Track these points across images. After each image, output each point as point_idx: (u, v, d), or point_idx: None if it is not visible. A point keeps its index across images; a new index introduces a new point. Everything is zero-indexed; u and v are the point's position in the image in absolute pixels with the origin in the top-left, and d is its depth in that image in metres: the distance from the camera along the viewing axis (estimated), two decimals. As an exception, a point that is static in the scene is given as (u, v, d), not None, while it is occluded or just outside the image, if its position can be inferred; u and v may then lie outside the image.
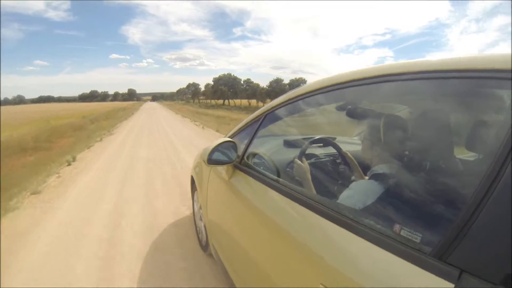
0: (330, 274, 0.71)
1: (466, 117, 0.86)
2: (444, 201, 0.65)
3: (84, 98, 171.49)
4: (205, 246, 2.16)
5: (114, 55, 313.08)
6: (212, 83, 74.56)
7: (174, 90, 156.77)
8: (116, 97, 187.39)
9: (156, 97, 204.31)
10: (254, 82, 70.71)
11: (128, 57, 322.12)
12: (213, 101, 73.21)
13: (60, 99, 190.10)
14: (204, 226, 2.01)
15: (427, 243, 0.57)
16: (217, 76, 74.41)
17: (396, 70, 0.79)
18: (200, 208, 2.12)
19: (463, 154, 0.94)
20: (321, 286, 0.71)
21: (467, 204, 0.51)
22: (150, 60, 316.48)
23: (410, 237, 0.60)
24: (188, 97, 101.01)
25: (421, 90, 0.78)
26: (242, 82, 73.05)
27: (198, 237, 2.39)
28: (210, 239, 1.86)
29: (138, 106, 61.74)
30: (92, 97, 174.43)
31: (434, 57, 0.72)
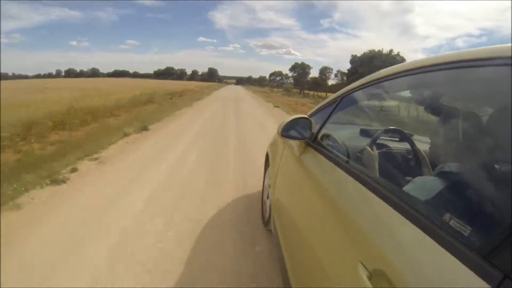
0: (377, 257, 0.71)
1: None
2: (503, 201, 0.59)
3: (159, 75, 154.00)
4: (266, 222, 2.28)
5: (201, 38, 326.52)
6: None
7: (259, 76, 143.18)
8: (193, 76, 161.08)
9: (242, 80, 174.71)
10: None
11: (215, 41, 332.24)
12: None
13: (135, 74, 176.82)
14: (270, 200, 2.10)
15: (475, 239, 0.54)
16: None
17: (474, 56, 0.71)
18: (269, 186, 2.19)
19: None
20: (360, 264, 0.73)
21: None
22: (236, 45, 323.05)
23: (458, 229, 0.58)
24: (288, 85, 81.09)
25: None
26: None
27: (262, 212, 2.54)
28: (273, 213, 1.92)
29: (209, 91, 36.41)
30: (167, 74, 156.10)
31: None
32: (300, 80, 73.34)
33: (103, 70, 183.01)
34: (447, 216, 0.62)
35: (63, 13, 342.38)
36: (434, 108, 1.03)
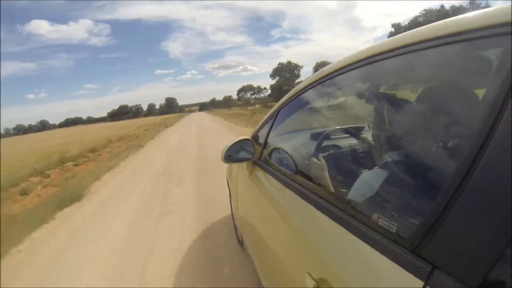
0: (320, 268, 0.73)
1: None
2: (426, 190, 0.61)
3: (113, 116, 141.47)
4: (241, 242, 2.25)
5: (158, 71, 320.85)
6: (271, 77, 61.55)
7: (223, 96, 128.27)
8: (151, 110, 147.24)
9: (205, 105, 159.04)
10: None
11: (172, 71, 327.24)
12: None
13: (89, 120, 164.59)
14: (237, 222, 2.12)
15: (403, 234, 0.54)
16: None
17: (398, 43, 0.69)
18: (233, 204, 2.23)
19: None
20: (307, 275, 0.75)
21: (443, 192, 0.47)
22: (194, 72, 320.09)
23: (386, 227, 0.58)
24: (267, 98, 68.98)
25: (424, 63, 0.68)
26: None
27: (236, 234, 2.51)
28: (242, 233, 1.95)
29: (158, 129, 23.59)
30: (122, 113, 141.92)
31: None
32: (286, 87, 58.84)
33: (62, 119, 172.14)
34: (375, 216, 0.63)
35: (15, 66, 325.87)
36: (370, 98, 1.01)
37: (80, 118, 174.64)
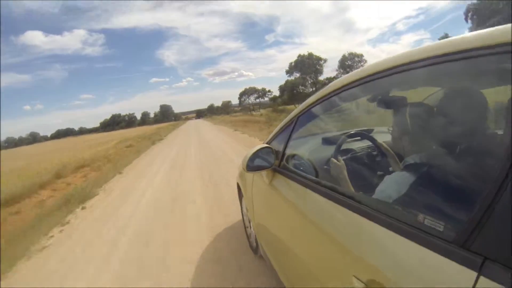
0: (367, 270, 0.74)
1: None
2: (469, 187, 0.65)
3: (106, 126, 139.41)
4: (255, 249, 2.26)
5: (154, 79, 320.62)
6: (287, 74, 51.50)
7: (222, 102, 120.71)
8: (145, 119, 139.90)
9: (202, 112, 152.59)
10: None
11: (167, 79, 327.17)
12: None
13: (82, 131, 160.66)
14: (253, 228, 2.11)
15: (450, 231, 0.58)
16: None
17: (417, 56, 0.76)
18: (248, 211, 2.21)
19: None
20: (354, 278, 0.75)
21: (490, 188, 0.51)
22: (189, 79, 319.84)
23: (433, 226, 0.61)
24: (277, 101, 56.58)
25: (447, 72, 0.76)
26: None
27: (249, 241, 2.50)
28: (259, 240, 1.95)
29: (145, 145, 16.00)
30: (114, 123, 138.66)
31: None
32: (300, 89, 52.99)
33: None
34: (420, 216, 0.65)
35: (12, 78, 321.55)
36: (385, 102, 1.08)
37: (72, 129, 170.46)
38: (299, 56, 55.18)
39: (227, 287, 2.05)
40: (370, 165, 1.43)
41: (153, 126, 66.28)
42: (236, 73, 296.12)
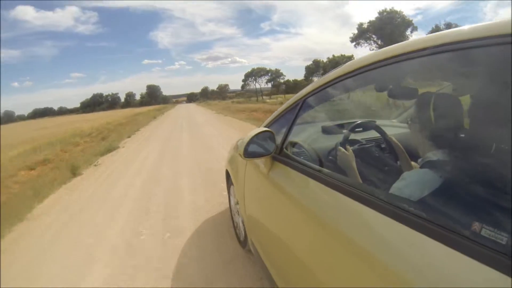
0: (386, 275, 0.63)
1: None
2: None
3: (86, 106, 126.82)
4: (243, 242, 2.13)
5: (146, 61, 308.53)
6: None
7: (218, 85, 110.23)
8: (130, 100, 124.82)
9: (194, 96, 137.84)
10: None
11: (160, 61, 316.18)
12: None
13: (61, 111, 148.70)
14: (242, 221, 1.98)
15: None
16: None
17: (442, 40, 0.69)
18: (237, 203, 2.08)
19: None
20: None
21: None
22: (182, 62, 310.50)
23: (493, 238, 0.50)
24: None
25: (473, 61, 0.67)
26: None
27: (236, 233, 2.38)
28: (248, 234, 1.82)
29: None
30: (96, 104, 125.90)
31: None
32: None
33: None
34: (476, 225, 0.53)
35: (3, 54, 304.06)
36: (398, 93, 1.03)
37: (51, 108, 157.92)
38: (380, 12, 36.89)
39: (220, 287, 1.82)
40: (378, 158, 1.34)
41: (138, 109, 55.64)
42: (230, 59, 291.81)
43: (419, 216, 0.61)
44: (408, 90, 1.00)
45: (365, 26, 37.15)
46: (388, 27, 35.56)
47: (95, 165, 6.23)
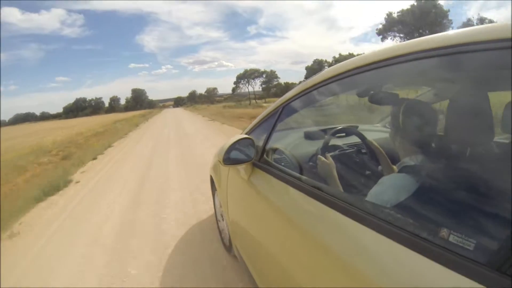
0: (361, 281, 0.63)
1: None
2: (496, 197, 0.55)
3: (68, 112, 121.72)
4: (228, 247, 2.12)
5: (132, 65, 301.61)
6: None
7: (206, 89, 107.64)
8: (114, 105, 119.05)
9: (181, 101, 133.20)
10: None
11: (146, 65, 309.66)
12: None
13: (44, 116, 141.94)
14: (227, 226, 1.97)
15: (483, 251, 0.47)
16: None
17: (419, 47, 0.69)
18: (220, 206, 2.08)
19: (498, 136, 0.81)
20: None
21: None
22: (169, 66, 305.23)
23: (461, 244, 0.50)
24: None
25: (446, 67, 0.69)
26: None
27: (221, 237, 2.36)
28: (232, 239, 1.82)
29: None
30: (79, 109, 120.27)
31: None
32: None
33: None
34: (444, 232, 0.54)
35: None
36: (378, 99, 1.03)
37: (33, 113, 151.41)
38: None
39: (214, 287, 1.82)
40: (359, 164, 1.34)
41: (120, 115, 52.25)
42: (216, 63, 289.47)
43: (392, 224, 0.62)
44: (389, 95, 1.01)
45: (395, 15, 32.11)
46: (432, 14, 31.41)
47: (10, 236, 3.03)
